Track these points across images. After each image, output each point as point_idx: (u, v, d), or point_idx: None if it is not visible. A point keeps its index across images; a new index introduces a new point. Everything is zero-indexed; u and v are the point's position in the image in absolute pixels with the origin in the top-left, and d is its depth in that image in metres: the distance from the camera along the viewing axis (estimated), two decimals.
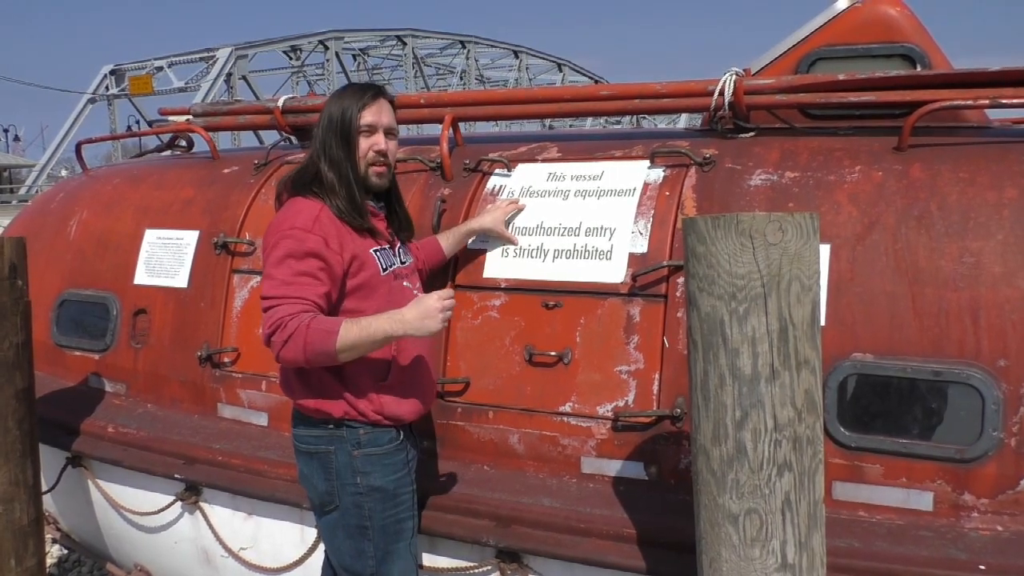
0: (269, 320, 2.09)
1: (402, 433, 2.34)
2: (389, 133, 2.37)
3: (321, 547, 2.80)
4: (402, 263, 2.44)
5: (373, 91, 2.36)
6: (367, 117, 2.31)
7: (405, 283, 2.42)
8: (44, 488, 3.14)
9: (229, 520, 3.03)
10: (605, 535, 2.35)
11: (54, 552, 4.70)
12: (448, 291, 2.20)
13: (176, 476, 3.02)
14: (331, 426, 2.26)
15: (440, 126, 3.16)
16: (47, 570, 3.24)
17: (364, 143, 2.32)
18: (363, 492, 2.25)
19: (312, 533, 2.82)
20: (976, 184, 2.36)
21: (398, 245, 2.47)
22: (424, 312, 2.13)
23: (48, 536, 3.57)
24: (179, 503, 3.09)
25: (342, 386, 2.25)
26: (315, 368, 2.19)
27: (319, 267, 2.16)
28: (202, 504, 3.06)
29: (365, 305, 2.25)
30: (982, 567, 2.02)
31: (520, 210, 2.77)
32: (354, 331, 2.09)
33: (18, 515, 2.84)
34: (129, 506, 3.26)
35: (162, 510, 3.14)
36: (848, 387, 2.28)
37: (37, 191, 28.65)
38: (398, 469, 2.32)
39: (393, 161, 2.42)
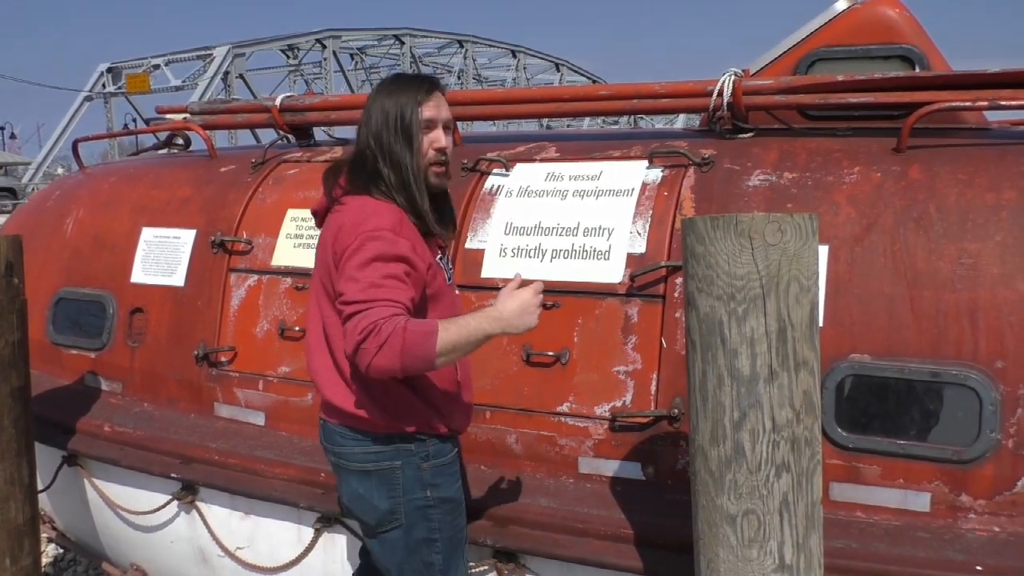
0: (359, 326, 1.85)
1: (458, 442, 2.27)
2: (447, 128, 2.17)
3: (318, 547, 2.80)
4: (451, 269, 2.32)
5: (429, 83, 2.15)
6: (427, 112, 2.10)
7: (456, 291, 2.32)
8: (40, 487, 3.13)
9: (226, 519, 3.02)
10: (602, 535, 2.35)
11: (50, 551, 4.68)
12: (539, 283, 2.04)
13: (173, 475, 3.01)
14: (397, 441, 2.09)
15: None
16: (43, 569, 3.23)
17: (425, 141, 2.11)
18: (432, 504, 2.12)
19: (309, 532, 2.82)
20: (974, 186, 2.36)
21: (448, 250, 2.34)
22: (522, 307, 1.97)
23: (44, 535, 3.56)
24: (175, 502, 3.08)
25: (417, 399, 2.10)
26: (389, 381, 2.01)
27: (407, 271, 1.98)
28: (199, 503, 3.06)
29: (432, 316, 2.08)
30: (979, 568, 2.02)
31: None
32: (453, 332, 1.89)
33: (14, 514, 2.83)
34: (125, 505, 3.25)
35: (158, 509, 3.13)
36: (846, 388, 2.28)
37: (34, 189, 28.59)
38: (458, 478, 2.23)
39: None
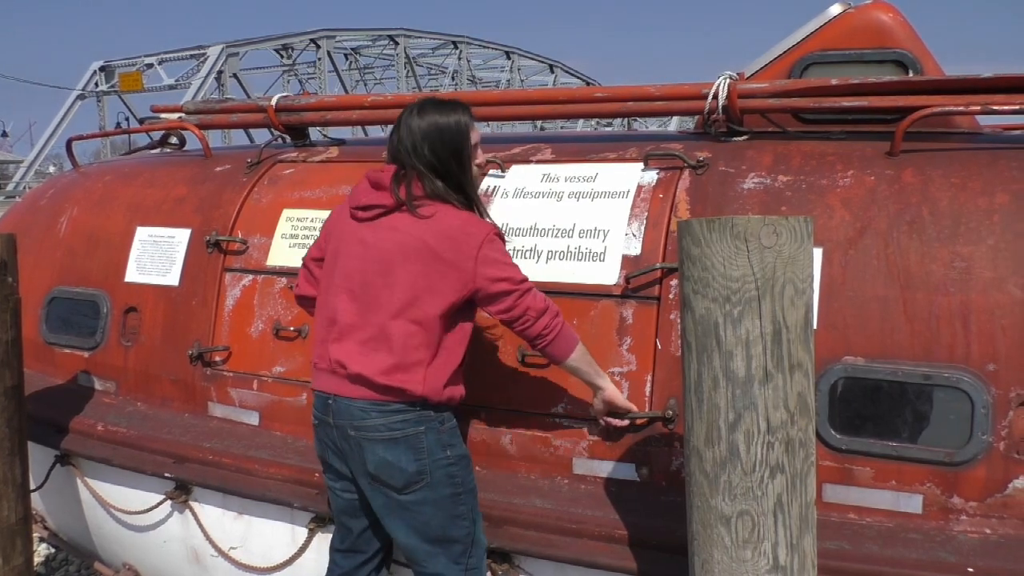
0: (540, 299, 2.29)
1: None
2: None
3: (312, 547, 2.80)
4: None
5: (465, 107, 2.45)
6: (475, 136, 2.43)
7: None
8: (32, 486, 3.13)
9: (219, 519, 3.02)
10: (596, 536, 2.35)
11: (42, 551, 4.67)
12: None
13: (166, 475, 3.01)
14: (418, 408, 2.30)
15: None
16: (35, 569, 3.22)
17: (477, 160, 2.45)
18: (453, 462, 2.34)
19: (303, 533, 2.82)
20: (967, 189, 2.38)
21: None
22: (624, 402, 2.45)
23: (36, 535, 3.55)
24: (169, 502, 3.08)
25: (454, 373, 2.36)
26: (445, 352, 2.32)
27: None
28: (192, 503, 3.05)
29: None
30: (971, 570, 2.04)
31: None
32: (586, 358, 2.38)
33: (6, 513, 2.83)
34: (118, 505, 3.24)
35: (151, 509, 3.13)
36: (839, 390, 2.29)
37: (25, 188, 28.45)
38: (463, 438, 2.48)
39: None
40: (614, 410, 2.44)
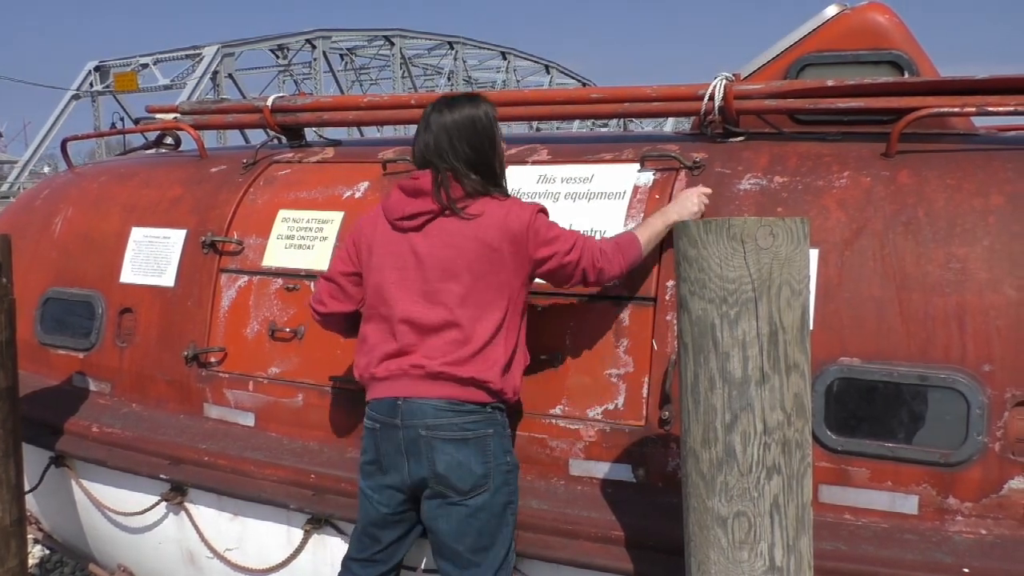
0: (591, 243, 2.39)
1: None
2: None
3: (307, 549, 2.79)
4: None
5: (486, 98, 2.49)
6: (500, 126, 2.48)
7: None
8: (27, 488, 3.11)
9: (214, 521, 3.01)
10: (593, 537, 2.35)
11: (36, 552, 4.66)
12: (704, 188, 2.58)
13: (161, 476, 3.00)
14: (488, 410, 2.32)
15: None
16: (29, 571, 3.21)
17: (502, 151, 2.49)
18: (511, 469, 2.36)
19: (298, 534, 2.81)
20: (963, 191, 2.39)
21: None
22: (686, 197, 2.54)
23: (30, 536, 3.54)
24: (164, 503, 3.07)
25: (523, 367, 2.43)
26: (519, 352, 2.40)
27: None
28: (187, 505, 3.04)
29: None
30: (966, 570, 2.04)
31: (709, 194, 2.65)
32: (645, 233, 2.48)
33: (0, 515, 2.81)
34: (113, 506, 3.23)
35: (147, 510, 3.12)
36: (835, 391, 2.30)
37: (19, 188, 28.37)
38: None
39: None
40: (675, 212, 2.51)
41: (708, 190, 2.57)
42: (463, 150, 2.36)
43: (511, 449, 2.40)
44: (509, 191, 2.51)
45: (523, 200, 2.46)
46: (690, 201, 2.51)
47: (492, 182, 2.41)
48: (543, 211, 2.40)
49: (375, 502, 2.39)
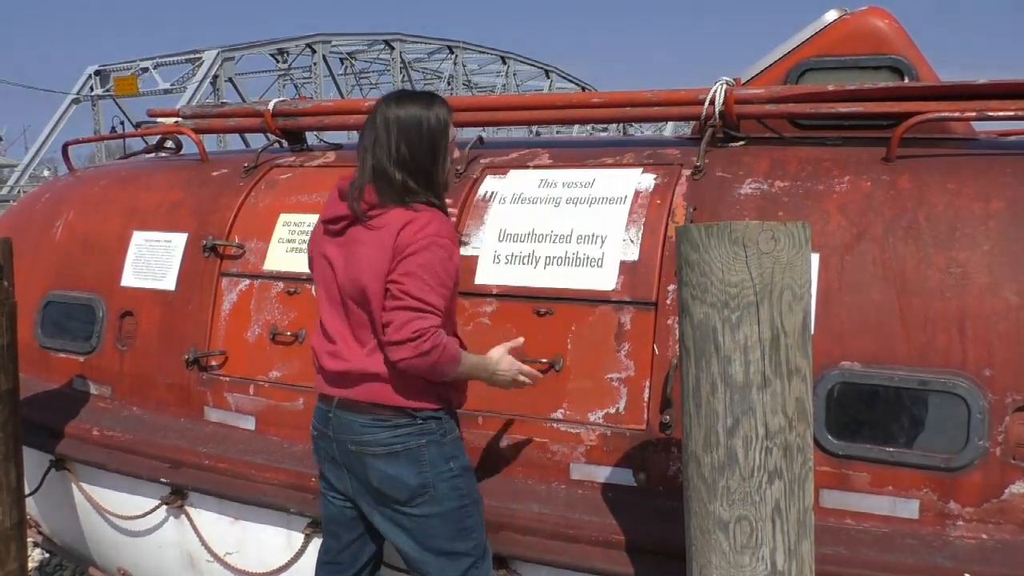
0: (413, 326, 2.10)
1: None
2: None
3: (308, 552, 2.79)
4: None
5: (444, 101, 2.32)
6: (452, 130, 2.31)
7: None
8: (27, 491, 3.11)
9: (215, 524, 3.01)
10: (594, 541, 2.35)
11: (36, 556, 4.65)
12: (528, 370, 2.41)
13: (162, 480, 3.00)
14: (419, 421, 2.26)
15: None
16: (29, 574, 3.20)
17: (453, 155, 2.35)
18: (458, 474, 2.31)
19: (299, 538, 2.81)
20: (963, 195, 2.39)
21: None
22: (508, 369, 2.36)
23: (30, 539, 3.53)
24: (164, 507, 3.07)
25: (440, 382, 2.31)
26: None
27: (454, 283, 2.25)
28: (188, 508, 3.04)
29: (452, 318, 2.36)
30: (967, 575, 2.04)
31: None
32: (468, 364, 2.26)
33: (0, 518, 2.81)
34: (113, 510, 3.23)
35: (147, 514, 3.11)
36: (836, 395, 2.30)
37: (20, 192, 28.36)
38: (464, 447, 2.42)
39: None
40: (493, 376, 2.35)
41: (532, 371, 2.42)
42: (398, 149, 2.20)
43: (457, 455, 2.32)
44: (448, 209, 2.35)
45: (441, 223, 2.21)
46: (505, 377, 2.36)
47: (428, 190, 2.25)
48: (440, 248, 2.16)
49: (329, 498, 2.44)
